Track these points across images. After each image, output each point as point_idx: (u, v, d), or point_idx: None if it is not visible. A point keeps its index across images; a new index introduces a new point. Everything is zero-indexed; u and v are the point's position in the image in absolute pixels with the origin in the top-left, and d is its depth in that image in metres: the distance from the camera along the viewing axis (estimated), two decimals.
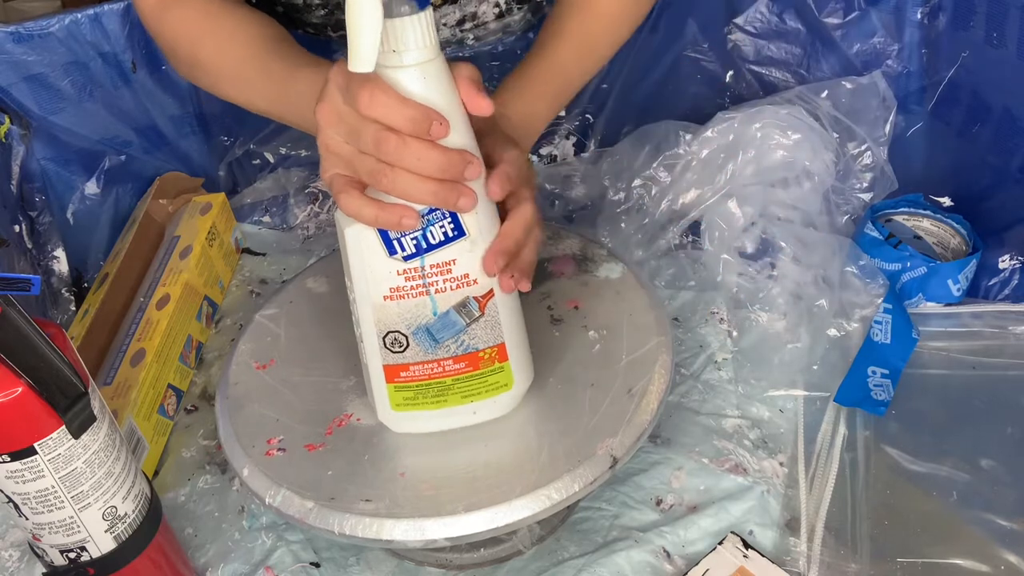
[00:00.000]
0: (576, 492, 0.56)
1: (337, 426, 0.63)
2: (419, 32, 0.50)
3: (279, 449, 0.62)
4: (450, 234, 0.54)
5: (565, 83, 0.70)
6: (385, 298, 0.56)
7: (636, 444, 0.59)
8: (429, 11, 0.50)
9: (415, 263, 0.55)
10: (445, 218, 0.54)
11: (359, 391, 0.65)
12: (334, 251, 0.81)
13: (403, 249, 0.54)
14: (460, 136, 0.53)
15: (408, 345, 0.58)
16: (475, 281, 0.56)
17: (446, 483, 0.58)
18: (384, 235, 0.54)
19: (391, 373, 0.59)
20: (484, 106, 0.53)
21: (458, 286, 0.56)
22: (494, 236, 0.56)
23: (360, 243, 0.55)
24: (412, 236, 0.54)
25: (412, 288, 0.56)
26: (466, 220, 0.54)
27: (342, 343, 0.68)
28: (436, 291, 0.56)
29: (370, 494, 0.57)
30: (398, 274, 0.55)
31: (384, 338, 0.58)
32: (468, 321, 0.57)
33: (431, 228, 0.54)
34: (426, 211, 0.53)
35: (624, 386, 0.62)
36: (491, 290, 0.57)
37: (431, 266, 0.55)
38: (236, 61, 0.69)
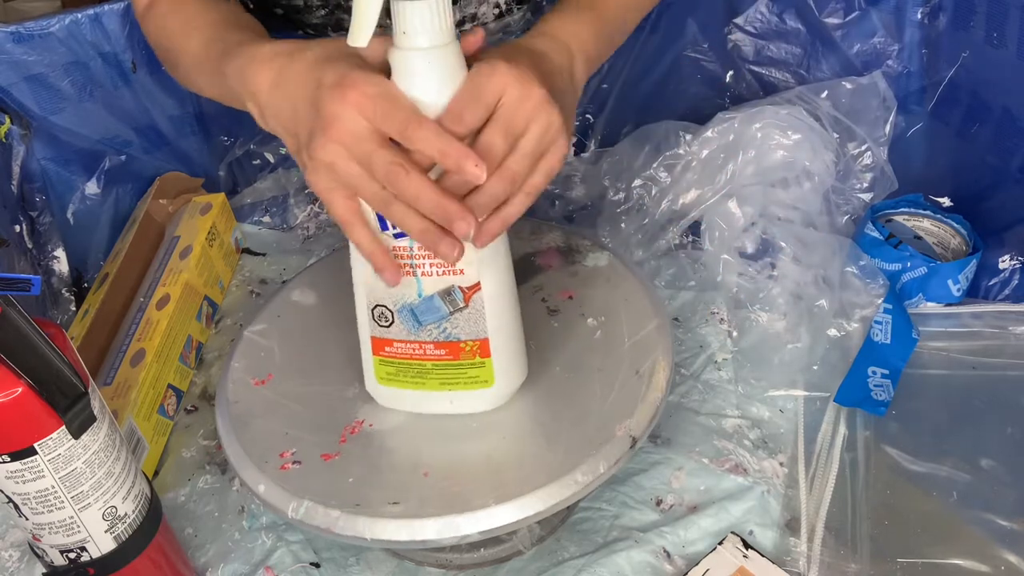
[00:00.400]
0: (602, 473, 0.57)
1: (350, 433, 0.63)
2: (428, 17, 0.50)
3: (294, 462, 0.61)
4: None
5: (603, 14, 0.66)
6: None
7: (652, 422, 0.60)
8: None
9: (404, 242, 0.56)
10: None
11: (366, 398, 0.64)
12: (335, 250, 0.81)
13: (394, 227, 0.55)
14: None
15: (393, 321, 0.59)
16: (462, 271, 0.57)
17: (471, 477, 0.58)
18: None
19: (377, 345, 0.61)
20: (471, 40, 0.54)
21: (444, 272, 0.57)
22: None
23: None
24: None
25: (400, 266, 0.57)
26: None
27: (340, 352, 0.68)
28: (422, 273, 0.57)
29: (396, 496, 0.57)
30: (389, 250, 0.56)
31: (372, 310, 0.59)
32: (451, 309, 0.58)
33: None
34: None
35: (631, 368, 0.63)
36: (478, 283, 0.57)
37: (419, 247, 0.56)
38: (196, 46, 0.69)
